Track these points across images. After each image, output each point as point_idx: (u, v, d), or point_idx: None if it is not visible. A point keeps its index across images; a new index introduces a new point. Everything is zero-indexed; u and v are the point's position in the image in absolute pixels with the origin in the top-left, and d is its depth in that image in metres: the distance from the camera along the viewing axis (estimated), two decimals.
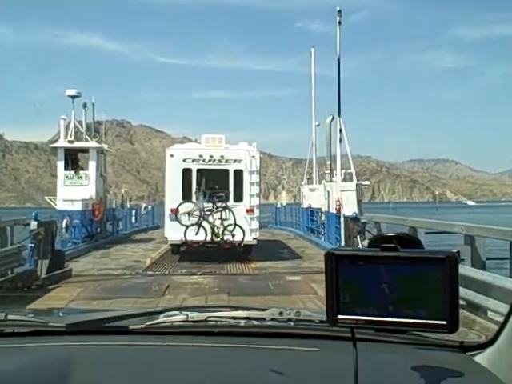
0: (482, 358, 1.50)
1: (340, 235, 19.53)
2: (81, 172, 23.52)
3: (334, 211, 20.19)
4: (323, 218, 23.04)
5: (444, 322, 1.12)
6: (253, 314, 2.02)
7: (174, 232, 16.64)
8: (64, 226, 19.53)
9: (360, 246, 12.27)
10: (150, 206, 35.80)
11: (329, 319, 1.19)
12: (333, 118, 22.71)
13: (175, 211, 16.36)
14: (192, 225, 16.28)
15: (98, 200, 23.37)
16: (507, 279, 7.75)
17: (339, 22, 21.01)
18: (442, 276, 1.11)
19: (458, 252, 1.17)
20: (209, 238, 16.49)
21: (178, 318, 1.95)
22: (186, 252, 18.06)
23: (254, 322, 1.94)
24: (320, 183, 28.11)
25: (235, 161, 16.92)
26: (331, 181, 22.14)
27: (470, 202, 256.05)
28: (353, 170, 20.99)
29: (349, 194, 19.17)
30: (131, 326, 1.86)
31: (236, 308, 2.16)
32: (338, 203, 19.87)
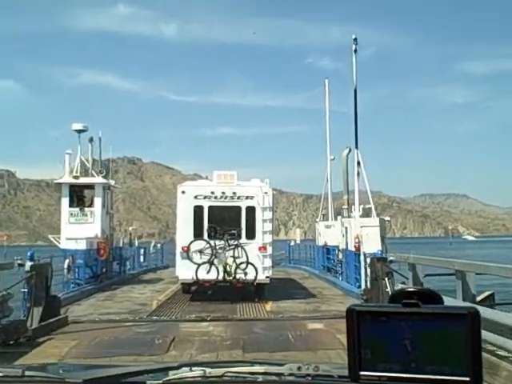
0: None
1: (360, 275, 18.24)
2: (86, 209, 22.52)
3: (353, 249, 18.94)
4: (340, 256, 21.78)
5: (467, 379, 1.08)
6: (271, 369, 2.02)
7: (185, 270, 16.16)
8: (66, 266, 18.50)
9: (389, 289, 10.95)
10: (159, 245, 34.62)
11: (351, 376, 1.17)
12: (350, 150, 21.63)
13: (186, 249, 16.02)
14: (204, 263, 15.94)
15: (104, 238, 22.31)
16: None
17: (355, 50, 20.19)
18: (465, 332, 1.07)
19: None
20: (221, 277, 16.08)
21: (195, 373, 1.95)
22: (197, 292, 17.26)
23: (272, 378, 1.94)
24: (335, 219, 26.93)
25: (247, 197, 16.54)
26: (349, 216, 20.93)
27: (470, 237, 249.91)
28: (372, 205, 19.75)
29: (369, 230, 17.91)
30: (148, 382, 1.86)
31: (253, 363, 2.19)
32: (357, 240, 18.64)
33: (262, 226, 16.63)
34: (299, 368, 1.91)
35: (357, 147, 20.44)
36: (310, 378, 1.86)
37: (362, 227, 18.23)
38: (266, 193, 16.67)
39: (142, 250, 31.23)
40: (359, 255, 18.39)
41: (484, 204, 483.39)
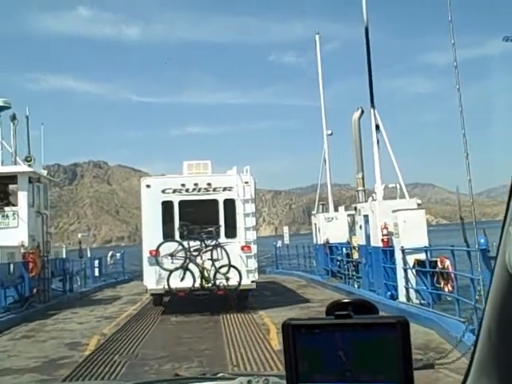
0: None
1: (396, 281, 12.84)
2: (6, 208, 16.61)
3: (380, 244, 13.48)
4: (356, 255, 16.31)
5: None
6: None
7: (154, 279, 13.96)
8: None
9: None
10: (118, 254, 28.63)
11: None
12: (362, 111, 16.01)
13: (155, 253, 13.78)
14: (176, 269, 13.70)
15: (35, 248, 16.40)
16: None
17: None
18: (395, 340, 1.10)
19: None
20: (197, 284, 13.84)
21: None
22: (169, 307, 14.76)
23: None
24: (336, 211, 21.46)
25: (225, 189, 14.48)
26: (366, 200, 15.45)
27: None
28: (402, 183, 14.12)
29: (407, 215, 12.40)
30: None
31: (205, 379, 2.16)
32: (385, 232, 13.20)
33: (244, 221, 14.44)
34: (249, 382, 1.93)
35: (373, 106, 15.02)
36: None
37: (394, 212, 12.73)
38: (246, 182, 14.49)
39: (96, 262, 25.31)
40: (392, 252, 13.02)
41: (450, 192, 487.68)
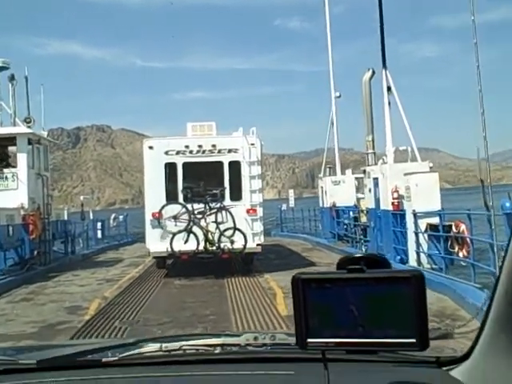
0: (457, 372, 1.41)
1: (406, 245, 12.47)
2: (5, 170, 16.21)
3: (390, 207, 13.07)
4: (364, 219, 15.94)
5: (414, 340, 1.09)
6: (228, 340, 1.97)
7: (157, 241, 13.70)
8: None
9: None
10: (121, 216, 28.39)
11: (298, 343, 1.17)
12: (373, 72, 15.32)
13: (158, 215, 13.59)
14: (180, 231, 13.39)
15: (35, 210, 16.06)
16: None
17: None
18: (409, 294, 1.08)
19: None
20: (201, 247, 13.51)
21: (151, 348, 1.85)
22: (172, 270, 14.54)
23: (230, 349, 1.87)
24: (343, 174, 21.10)
25: (230, 150, 14.16)
26: (375, 163, 14.94)
27: None
28: (414, 146, 13.63)
29: (419, 178, 11.98)
30: (104, 359, 1.75)
31: (211, 335, 2.15)
32: (396, 195, 12.78)
33: (250, 183, 14.16)
34: (256, 338, 1.90)
35: (385, 66, 14.39)
36: (266, 348, 1.86)
37: (406, 175, 12.27)
38: (252, 144, 14.15)
39: (99, 224, 25.05)
40: (402, 216, 12.61)
41: (455, 157, 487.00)
